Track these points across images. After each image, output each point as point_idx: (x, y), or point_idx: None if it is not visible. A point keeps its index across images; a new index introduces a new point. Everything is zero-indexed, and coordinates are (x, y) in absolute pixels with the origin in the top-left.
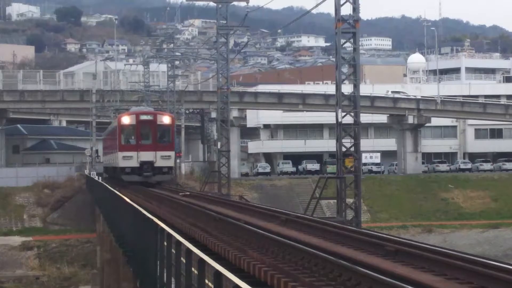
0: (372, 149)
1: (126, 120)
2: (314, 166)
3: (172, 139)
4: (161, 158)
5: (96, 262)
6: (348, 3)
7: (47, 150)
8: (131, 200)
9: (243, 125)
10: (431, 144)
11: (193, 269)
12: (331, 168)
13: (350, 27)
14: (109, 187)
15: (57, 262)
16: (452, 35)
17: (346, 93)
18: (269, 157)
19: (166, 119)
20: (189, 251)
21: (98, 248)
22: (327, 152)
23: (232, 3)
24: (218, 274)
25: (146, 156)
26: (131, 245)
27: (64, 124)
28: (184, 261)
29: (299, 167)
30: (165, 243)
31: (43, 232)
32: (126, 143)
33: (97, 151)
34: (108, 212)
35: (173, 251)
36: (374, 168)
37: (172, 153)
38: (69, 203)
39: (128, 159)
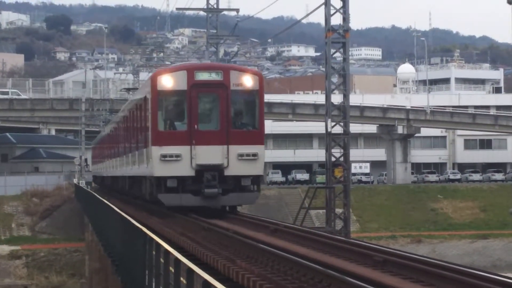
0: (361, 159)
1: (167, 81)
2: (303, 176)
3: (260, 120)
4: (239, 160)
5: (85, 271)
6: (338, 13)
7: (36, 158)
8: (119, 209)
9: None
10: (421, 155)
11: (181, 278)
12: (320, 178)
13: (340, 37)
14: (98, 196)
15: (45, 271)
16: (441, 46)
17: (335, 103)
18: None
19: (247, 81)
20: (177, 261)
21: (87, 257)
22: (317, 162)
23: (222, 13)
24: (206, 283)
25: (209, 154)
26: (119, 254)
27: (53, 132)
28: (172, 270)
29: (289, 177)
30: (154, 253)
31: (31, 241)
32: (168, 128)
33: (86, 160)
34: (96, 221)
35: (162, 260)
36: (364, 178)
37: (260, 149)
38: (57, 212)
39: (172, 162)
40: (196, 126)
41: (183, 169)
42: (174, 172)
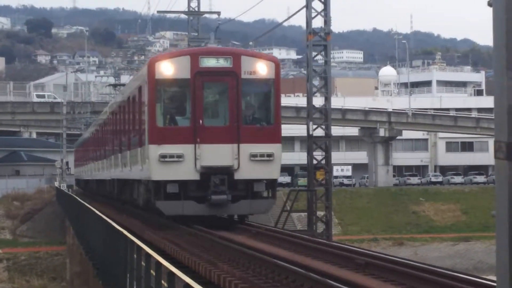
0: (343, 162)
1: (167, 68)
2: (285, 178)
3: (276, 114)
4: (251, 161)
5: (66, 274)
6: (319, 16)
7: (17, 162)
8: (100, 212)
9: None
10: (402, 157)
11: (163, 282)
12: (302, 181)
13: (321, 39)
14: (79, 199)
15: (26, 274)
16: (423, 48)
17: (317, 106)
18: None
19: (261, 68)
20: (158, 264)
21: (68, 260)
22: (298, 164)
23: (204, 15)
24: (188, 287)
25: (216, 154)
26: (100, 257)
27: (34, 136)
28: (153, 274)
29: None
30: (135, 256)
31: (12, 244)
32: (168, 123)
33: (67, 163)
34: (77, 224)
35: (143, 263)
36: (345, 181)
37: (276, 149)
38: (38, 216)
39: (173, 163)
40: (201, 121)
41: (186, 171)
42: (175, 175)
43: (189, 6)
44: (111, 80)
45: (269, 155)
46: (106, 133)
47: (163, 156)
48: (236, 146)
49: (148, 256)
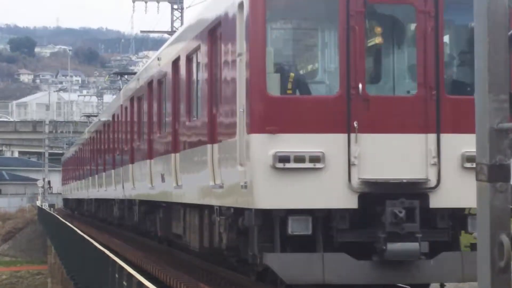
0: None
1: None
2: None
3: None
4: (465, 170)
5: None
6: None
7: None
8: (82, 231)
9: None
10: None
11: None
12: None
13: None
14: (61, 218)
15: None
16: None
17: None
18: None
19: None
20: (140, 284)
21: (49, 280)
22: None
23: None
24: None
25: (392, 156)
26: (82, 277)
27: (16, 155)
28: None
29: None
30: (117, 276)
31: None
32: (291, 90)
33: (49, 182)
34: (59, 243)
35: (125, 283)
36: None
37: None
38: (20, 235)
39: (301, 175)
40: (360, 86)
41: (330, 192)
42: (305, 199)
43: (172, 25)
44: (94, 99)
45: None
46: (119, 131)
47: (282, 159)
48: (434, 138)
49: (130, 276)
